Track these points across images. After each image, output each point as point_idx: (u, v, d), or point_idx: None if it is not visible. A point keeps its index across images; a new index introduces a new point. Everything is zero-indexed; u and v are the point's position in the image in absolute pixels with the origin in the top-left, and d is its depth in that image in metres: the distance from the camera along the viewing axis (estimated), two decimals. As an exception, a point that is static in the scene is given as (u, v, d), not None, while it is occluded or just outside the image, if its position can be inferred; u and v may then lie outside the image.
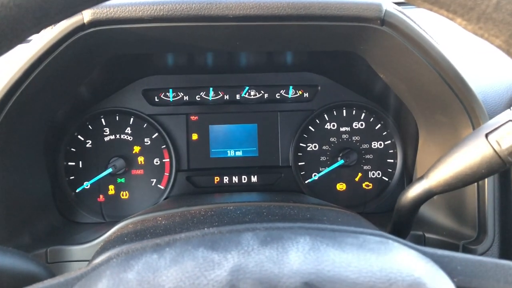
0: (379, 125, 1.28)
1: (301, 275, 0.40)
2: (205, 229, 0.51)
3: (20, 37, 0.38)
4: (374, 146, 1.28)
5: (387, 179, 1.29)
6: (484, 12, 0.36)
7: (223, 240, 0.47)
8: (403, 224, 0.87)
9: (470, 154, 0.72)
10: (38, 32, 0.39)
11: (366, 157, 1.28)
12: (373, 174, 1.29)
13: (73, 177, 1.22)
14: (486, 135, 0.70)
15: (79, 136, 1.22)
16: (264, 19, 0.81)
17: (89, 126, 1.22)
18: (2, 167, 0.88)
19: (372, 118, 1.28)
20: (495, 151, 0.69)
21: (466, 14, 0.38)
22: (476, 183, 0.93)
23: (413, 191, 0.80)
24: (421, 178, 0.80)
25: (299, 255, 0.43)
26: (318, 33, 0.88)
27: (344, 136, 1.28)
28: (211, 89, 1.27)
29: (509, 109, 0.71)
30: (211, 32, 0.85)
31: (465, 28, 0.40)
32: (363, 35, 0.88)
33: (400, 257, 0.46)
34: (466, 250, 0.92)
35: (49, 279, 0.45)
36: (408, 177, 1.25)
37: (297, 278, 0.40)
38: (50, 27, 0.81)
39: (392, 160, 1.28)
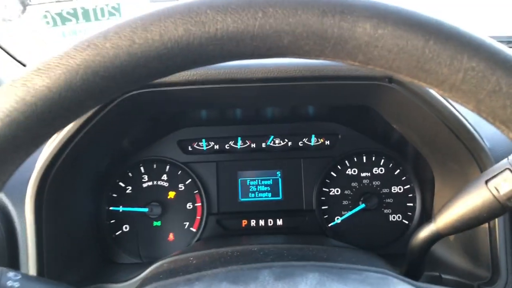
0: (398, 171, 1.35)
1: (308, 305, 0.48)
2: (229, 267, 0.60)
3: (84, 112, 0.48)
4: (394, 190, 1.35)
5: (407, 222, 1.34)
6: (454, 84, 0.44)
7: (244, 276, 0.55)
8: (416, 265, 0.93)
9: (472, 199, 0.79)
10: (96, 107, 0.49)
11: (386, 201, 1.35)
12: (394, 217, 1.35)
13: (114, 221, 1.33)
14: (486, 182, 0.77)
15: (120, 183, 1.34)
16: (283, 80, 0.92)
17: (129, 173, 1.35)
18: (54, 213, 1.00)
19: (391, 164, 1.36)
20: (494, 196, 0.76)
21: (440, 85, 0.45)
22: (487, 224, 0.98)
23: (423, 234, 0.87)
24: (430, 221, 0.86)
25: (307, 288, 0.51)
26: (332, 90, 0.99)
27: (364, 181, 1.35)
28: (239, 138, 1.38)
29: (506, 158, 0.78)
30: (238, 92, 0.97)
31: (443, 95, 0.48)
32: (374, 91, 0.97)
33: (396, 291, 0.53)
34: (481, 291, 0.97)
35: None
36: (428, 220, 1.30)
37: (305, 307, 0.48)
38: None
39: (411, 204, 1.34)
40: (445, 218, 0.83)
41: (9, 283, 0.64)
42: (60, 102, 0.44)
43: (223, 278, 0.55)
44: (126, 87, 0.47)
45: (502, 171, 0.76)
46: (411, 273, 0.93)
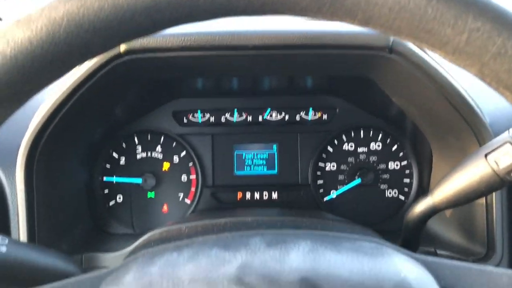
0: (395, 146, 1.34)
1: (299, 272, 0.46)
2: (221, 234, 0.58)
3: (68, 68, 0.46)
4: (391, 166, 1.33)
5: (403, 199, 1.33)
6: (457, 46, 0.42)
7: (234, 242, 0.54)
8: (411, 240, 0.92)
9: (471, 173, 0.77)
10: (81, 63, 0.47)
11: (383, 176, 1.33)
12: (390, 193, 1.33)
13: (107, 191, 1.31)
14: (486, 155, 0.75)
15: (114, 154, 1.32)
16: (280, 47, 0.89)
17: (123, 144, 1.32)
18: (45, 180, 0.98)
19: (388, 139, 1.34)
20: (493, 170, 0.74)
21: (443, 47, 0.43)
22: (484, 200, 0.97)
23: (419, 208, 0.86)
24: (426, 195, 0.85)
25: (299, 255, 0.50)
26: (331, 60, 0.96)
27: (361, 156, 1.34)
28: (235, 110, 1.36)
29: (507, 131, 0.76)
30: (233, 59, 0.94)
31: (445, 58, 0.46)
32: (373, 62, 0.94)
33: (391, 260, 0.51)
34: (475, 266, 0.96)
35: (83, 274, 0.53)
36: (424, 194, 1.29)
37: (296, 274, 0.46)
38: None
39: (408, 180, 1.33)
40: (442, 192, 0.81)
41: (-5, 246, 0.63)
42: (43, 56, 0.41)
43: (213, 244, 0.54)
44: (112, 43, 0.44)
45: (502, 145, 0.74)
46: (406, 248, 0.92)
